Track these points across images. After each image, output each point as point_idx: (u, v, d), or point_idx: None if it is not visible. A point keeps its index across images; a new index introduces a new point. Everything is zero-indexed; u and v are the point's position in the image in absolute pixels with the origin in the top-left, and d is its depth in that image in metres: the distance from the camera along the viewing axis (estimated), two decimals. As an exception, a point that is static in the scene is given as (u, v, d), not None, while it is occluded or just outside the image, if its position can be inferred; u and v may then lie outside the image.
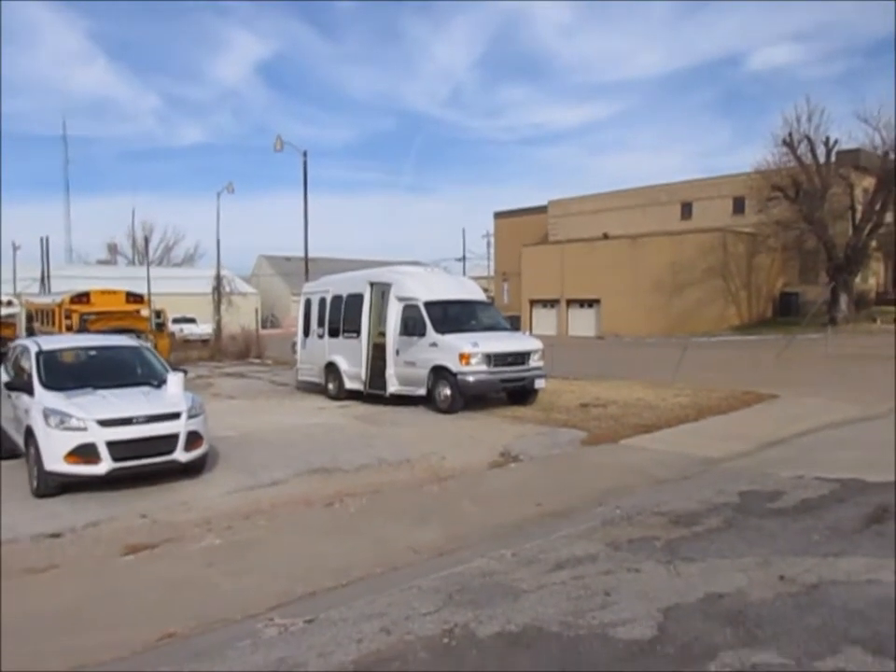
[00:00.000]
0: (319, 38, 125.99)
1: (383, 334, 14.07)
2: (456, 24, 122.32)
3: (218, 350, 26.97)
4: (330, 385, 15.33)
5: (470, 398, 12.73)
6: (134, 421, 7.54)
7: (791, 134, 34.63)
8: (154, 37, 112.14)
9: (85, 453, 7.33)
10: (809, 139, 34.79)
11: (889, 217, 35.18)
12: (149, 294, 25.74)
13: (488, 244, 71.56)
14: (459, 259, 71.81)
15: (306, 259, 23.51)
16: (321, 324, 15.88)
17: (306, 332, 16.67)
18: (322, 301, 15.94)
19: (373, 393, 14.13)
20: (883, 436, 9.45)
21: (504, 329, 14.49)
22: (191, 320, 40.60)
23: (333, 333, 15.37)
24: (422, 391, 13.14)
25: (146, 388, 8.31)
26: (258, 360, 25.45)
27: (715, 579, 4.71)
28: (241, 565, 5.74)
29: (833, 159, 35.13)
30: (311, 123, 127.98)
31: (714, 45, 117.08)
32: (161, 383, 8.49)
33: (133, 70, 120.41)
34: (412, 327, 13.35)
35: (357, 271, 17.15)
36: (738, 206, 41.15)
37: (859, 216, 34.98)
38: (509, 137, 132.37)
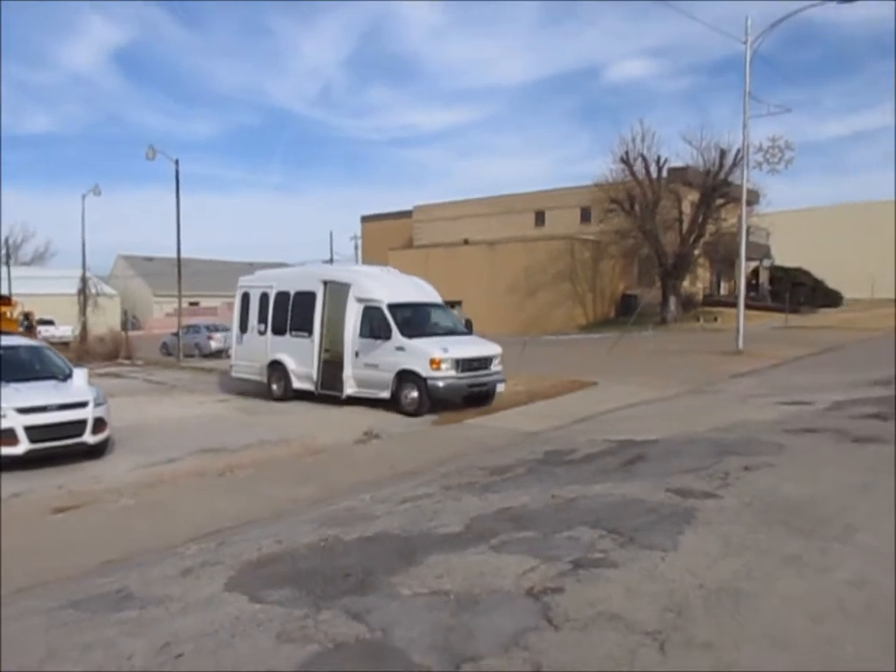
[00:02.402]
0: (180, 28, 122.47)
1: (335, 334, 14.11)
2: (325, 22, 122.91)
3: (85, 351, 27.10)
4: (274, 386, 15.13)
5: (437, 402, 12.78)
6: (48, 409, 8.81)
7: (627, 153, 38.61)
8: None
9: (5, 436, 8.53)
10: (643, 157, 38.90)
11: (711, 228, 39.94)
12: (10, 295, 25.56)
13: (356, 246, 72.97)
14: (327, 261, 72.82)
15: (179, 262, 24.30)
16: (262, 320, 15.55)
17: (243, 328, 16.28)
18: (264, 296, 15.61)
19: (326, 394, 14.07)
20: (659, 410, 12.12)
21: (463, 332, 14.56)
22: (49, 322, 39.67)
23: (278, 331, 15.15)
24: (384, 394, 13.08)
25: (53, 381, 9.55)
26: (127, 361, 25.89)
27: (508, 500, 6.80)
28: (155, 517, 7.30)
29: (664, 175, 39.47)
30: (172, 116, 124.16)
31: (576, 55, 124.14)
32: (66, 377, 9.75)
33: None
34: (374, 329, 13.30)
35: (301, 266, 17.28)
36: (585, 216, 45.03)
37: (685, 226, 39.48)
38: (378, 138, 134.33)
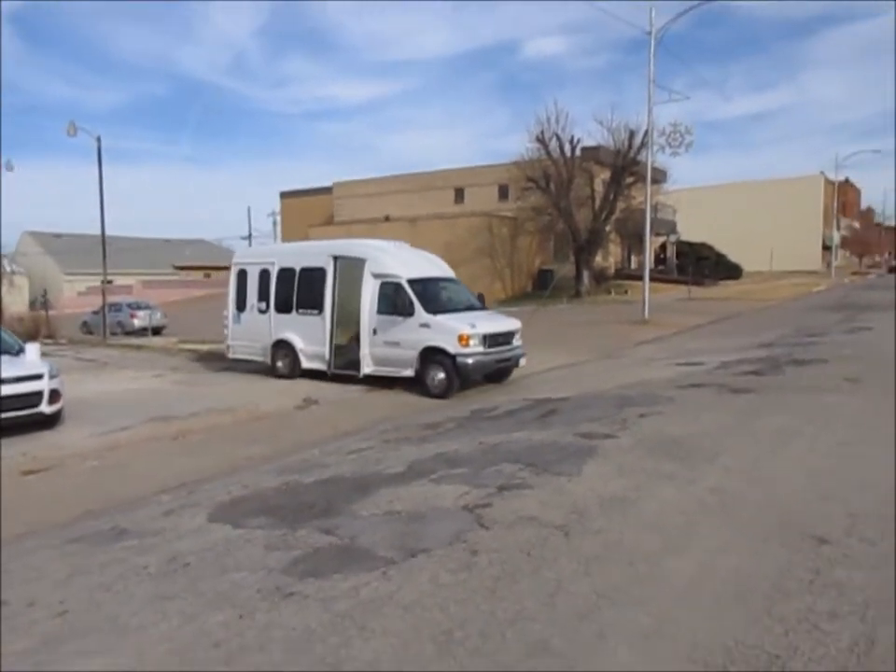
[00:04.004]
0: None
1: (348, 312, 13.76)
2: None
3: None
4: (280, 364, 14.71)
5: (464, 379, 12.49)
6: (5, 381, 9.34)
7: (542, 132, 40.05)
8: None
9: (-33, 408, 9.05)
10: (558, 137, 40.42)
11: (621, 205, 41.98)
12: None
13: (274, 222, 72.41)
14: (245, 238, 72.05)
15: (103, 240, 24.22)
16: (263, 298, 15.06)
17: (240, 307, 15.69)
18: (264, 273, 15.12)
19: (340, 374, 13.72)
20: (572, 373, 13.48)
21: (480, 307, 14.30)
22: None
23: (282, 309, 14.70)
24: (407, 372, 12.75)
25: (7, 357, 10.04)
26: (50, 340, 25.66)
27: (442, 448, 7.90)
28: (121, 475, 8.05)
29: (577, 154, 41.14)
30: (73, 83, 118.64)
31: (494, 30, 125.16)
32: (18, 351, 10.25)
33: None
34: (394, 306, 12.92)
35: (307, 242, 16.43)
36: (503, 193, 46.39)
37: (598, 204, 41.35)
38: (296, 111, 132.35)
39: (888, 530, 4.65)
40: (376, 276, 13.25)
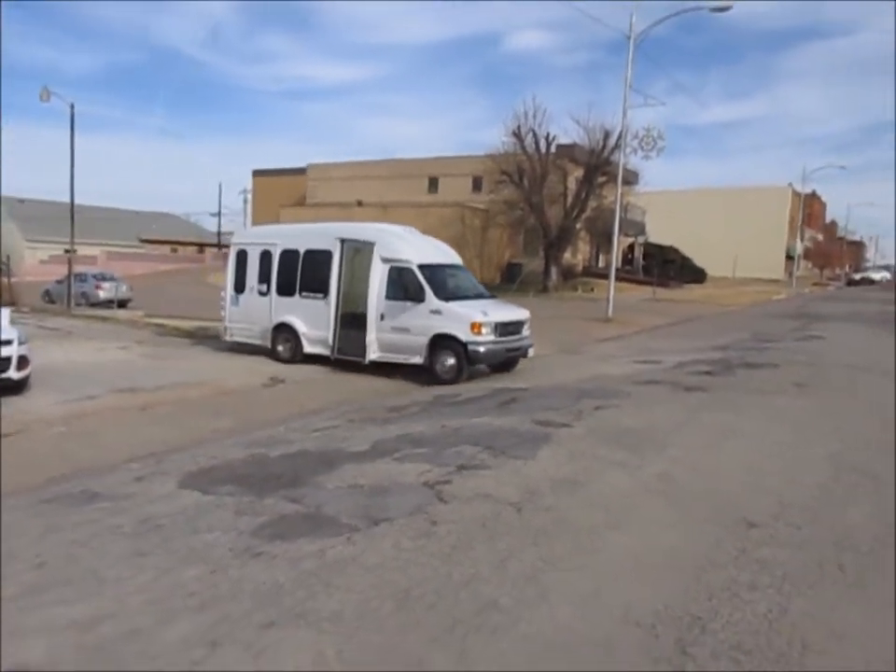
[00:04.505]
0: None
1: (355, 296, 13.57)
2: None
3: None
4: (280, 347, 14.41)
5: (473, 367, 12.56)
6: (-23, 346, 9.42)
7: (519, 127, 40.39)
8: None
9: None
10: (534, 132, 40.82)
11: (592, 204, 42.57)
12: None
13: (245, 200, 71.80)
14: (214, 214, 71.42)
15: (72, 208, 23.99)
16: (264, 280, 14.76)
17: (238, 288, 15.29)
18: (265, 254, 14.82)
19: (344, 359, 13.50)
20: (533, 366, 13.85)
21: (489, 296, 14.35)
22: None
23: (284, 292, 14.42)
24: (416, 359, 12.65)
25: (-23, 323, 10.08)
26: (12, 307, 25.31)
27: (405, 429, 8.20)
28: (88, 442, 8.21)
29: (552, 151, 41.59)
30: (48, 45, 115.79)
31: (477, 21, 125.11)
32: (-11, 316, 10.29)
33: None
34: (403, 291, 12.77)
35: (312, 224, 16.22)
36: (477, 185, 46.72)
37: (569, 201, 41.88)
38: (273, 88, 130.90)
39: (813, 518, 5.08)
40: (385, 261, 13.05)
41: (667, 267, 49.45)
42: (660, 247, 53.05)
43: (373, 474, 6.25)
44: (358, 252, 13.60)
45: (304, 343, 14.06)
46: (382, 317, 12.98)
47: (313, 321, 13.89)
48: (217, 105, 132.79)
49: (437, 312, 12.43)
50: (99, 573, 4.18)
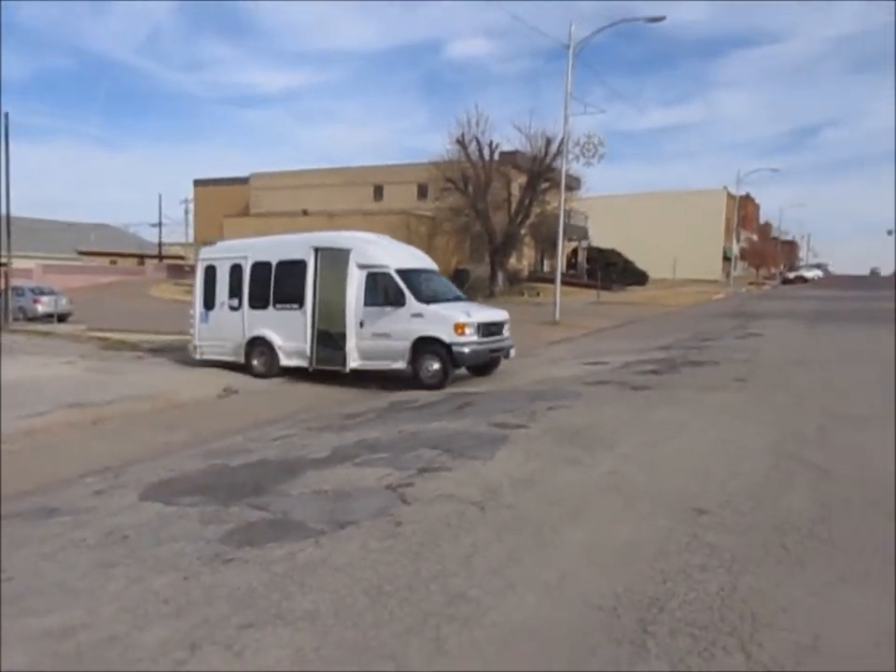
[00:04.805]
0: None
1: (332, 304, 13.26)
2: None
3: None
4: (255, 362, 14.01)
5: (459, 369, 12.56)
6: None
7: (463, 135, 40.83)
8: None
9: None
10: (478, 140, 41.31)
11: (536, 210, 43.27)
12: None
13: (186, 210, 70.57)
14: (155, 225, 69.99)
15: (8, 220, 23.30)
16: (235, 294, 14.39)
17: (208, 305, 14.88)
18: (235, 268, 14.46)
19: (323, 370, 13.28)
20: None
21: (466, 298, 14.40)
22: None
23: (257, 305, 14.07)
24: (399, 364, 12.57)
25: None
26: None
27: (363, 435, 8.31)
28: (42, 458, 8.10)
29: (495, 158, 42.14)
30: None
31: (417, 28, 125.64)
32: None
33: None
34: (383, 297, 12.69)
35: (284, 235, 15.89)
36: (422, 192, 47.03)
37: (514, 207, 42.48)
38: (212, 95, 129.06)
39: (757, 505, 5.39)
40: (362, 267, 12.91)
41: (610, 270, 50.51)
42: (602, 251, 54.18)
43: (335, 480, 6.35)
44: (334, 260, 13.32)
45: (280, 355, 13.73)
46: (361, 324, 12.82)
47: (288, 333, 13.59)
48: (154, 111, 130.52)
49: (418, 315, 12.38)
50: (68, 584, 4.20)
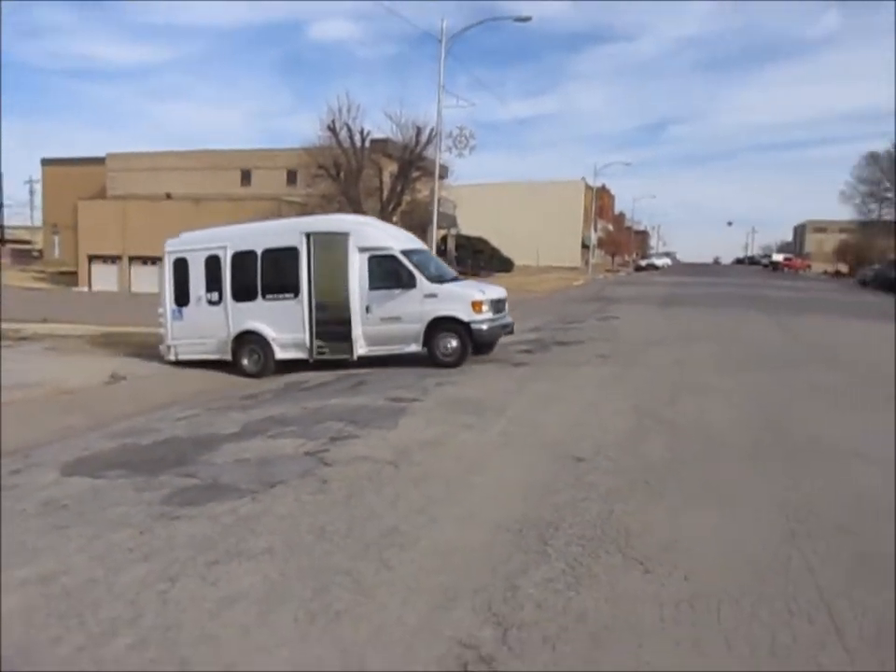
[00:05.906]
0: None
1: (332, 291, 12.84)
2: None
3: None
4: (245, 360, 13.09)
5: (478, 346, 12.47)
6: None
7: (334, 122, 40.94)
8: None
9: None
10: (349, 127, 41.54)
11: (407, 198, 44.12)
12: None
13: (31, 191, 66.07)
14: (-3, 208, 65.05)
15: None
16: (214, 288, 13.44)
17: (180, 301, 13.79)
18: (212, 259, 13.47)
19: (326, 360, 12.83)
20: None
21: (463, 278, 14.30)
22: None
23: (242, 297, 13.19)
24: (412, 348, 12.35)
25: None
26: None
27: (268, 412, 8.82)
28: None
29: (367, 145, 42.55)
30: None
31: (280, 6, 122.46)
32: None
33: None
34: (391, 279, 12.34)
35: (269, 221, 15.04)
36: (292, 178, 46.65)
37: (385, 195, 43.11)
38: (55, 66, 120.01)
39: (624, 452, 6.48)
40: (363, 250, 12.50)
41: (478, 257, 52.33)
42: (470, 239, 55.90)
43: (254, 450, 6.88)
44: (330, 245, 12.87)
45: (276, 348, 13.00)
46: (368, 310, 12.45)
47: (283, 324, 12.88)
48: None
49: (432, 295, 12.23)
50: (29, 544, 4.57)
